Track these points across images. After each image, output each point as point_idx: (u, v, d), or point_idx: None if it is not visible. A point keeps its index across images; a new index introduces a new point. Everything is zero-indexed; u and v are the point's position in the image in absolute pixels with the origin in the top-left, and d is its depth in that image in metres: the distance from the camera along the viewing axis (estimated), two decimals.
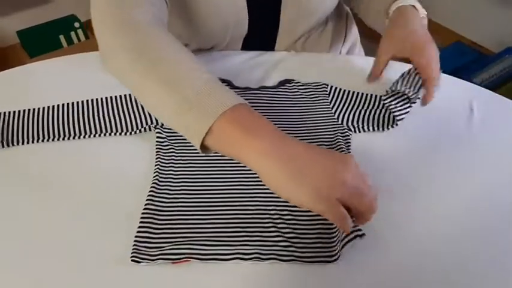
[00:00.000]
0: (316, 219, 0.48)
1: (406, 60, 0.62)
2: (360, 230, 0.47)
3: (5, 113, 0.61)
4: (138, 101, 0.61)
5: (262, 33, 0.74)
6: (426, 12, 0.64)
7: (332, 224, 0.47)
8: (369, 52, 0.86)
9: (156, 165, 0.54)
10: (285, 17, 0.72)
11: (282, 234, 0.47)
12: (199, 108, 0.42)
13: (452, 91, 0.67)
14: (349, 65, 0.72)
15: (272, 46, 0.77)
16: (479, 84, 0.70)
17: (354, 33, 0.87)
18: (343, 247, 0.46)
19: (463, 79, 0.69)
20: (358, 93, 0.65)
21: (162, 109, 0.45)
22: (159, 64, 0.46)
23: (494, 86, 1.40)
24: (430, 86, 0.59)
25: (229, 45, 0.75)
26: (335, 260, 0.45)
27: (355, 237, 0.46)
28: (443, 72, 0.70)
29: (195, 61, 0.48)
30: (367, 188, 0.41)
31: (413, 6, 0.63)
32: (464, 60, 1.57)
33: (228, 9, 0.68)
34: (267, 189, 0.42)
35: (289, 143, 0.41)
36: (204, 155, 0.46)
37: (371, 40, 0.86)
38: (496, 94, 0.67)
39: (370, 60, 0.74)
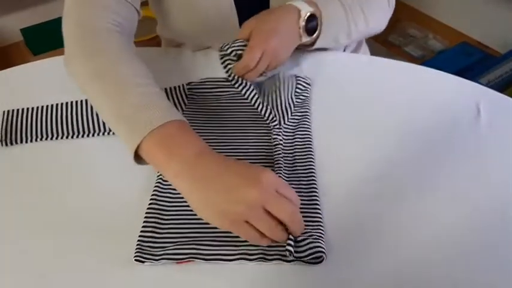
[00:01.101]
0: (306, 220, 0.47)
1: None
2: (290, 245, 0.42)
3: (8, 111, 0.61)
4: None
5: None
6: (303, 32, 0.61)
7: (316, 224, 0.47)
8: (374, 52, 0.86)
9: None
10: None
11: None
12: (132, 123, 0.46)
13: (458, 92, 0.66)
14: (352, 64, 0.72)
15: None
16: (486, 85, 0.69)
17: None
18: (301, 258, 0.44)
19: (469, 80, 0.69)
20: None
21: (104, 116, 0.50)
22: (107, 71, 0.50)
23: (500, 87, 1.39)
24: (238, 71, 0.58)
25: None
26: (320, 261, 0.44)
27: (311, 253, 0.44)
28: (450, 72, 0.70)
29: (142, 72, 0.52)
30: (280, 203, 0.42)
31: (299, 10, 0.61)
32: (470, 61, 1.56)
33: (216, 13, 0.68)
34: None
35: (203, 162, 0.43)
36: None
37: (376, 40, 0.86)
38: (503, 95, 0.66)
39: (374, 59, 0.73)
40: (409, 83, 0.67)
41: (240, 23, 0.69)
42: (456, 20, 1.73)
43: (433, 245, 0.47)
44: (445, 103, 0.64)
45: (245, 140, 0.57)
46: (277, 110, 0.59)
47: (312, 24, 0.62)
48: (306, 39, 0.63)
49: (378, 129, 0.60)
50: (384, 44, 1.72)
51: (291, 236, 0.43)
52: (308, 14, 0.61)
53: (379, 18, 0.71)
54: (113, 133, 0.58)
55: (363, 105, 0.64)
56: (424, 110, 0.63)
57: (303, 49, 0.68)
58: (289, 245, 0.43)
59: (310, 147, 0.56)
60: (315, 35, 0.63)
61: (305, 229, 0.46)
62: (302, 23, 0.61)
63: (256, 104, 0.58)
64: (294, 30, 0.62)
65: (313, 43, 0.65)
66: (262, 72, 0.60)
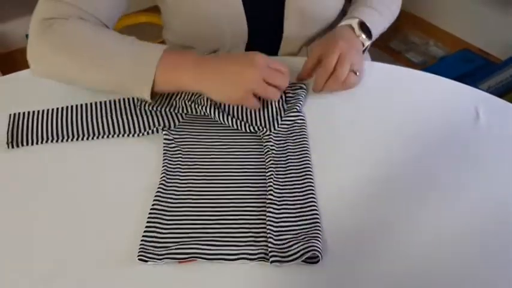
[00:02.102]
0: (300, 219, 0.49)
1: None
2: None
3: (15, 114, 0.62)
4: (145, 103, 0.62)
5: (264, 41, 0.75)
6: (363, 36, 0.70)
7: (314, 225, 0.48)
8: (376, 58, 0.87)
9: (163, 167, 0.54)
10: (289, 27, 0.72)
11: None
12: (137, 71, 0.56)
13: (458, 97, 0.67)
14: None
15: (276, 51, 0.78)
16: (486, 91, 0.70)
17: None
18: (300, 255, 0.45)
19: (470, 86, 0.69)
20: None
21: (99, 82, 0.59)
22: (81, 44, 0.58)
23: (500, 93, 1.39)
24: (320, 77, 0.64)
25: (231, 50, 0.76)
26: (317, 261, 0.45)
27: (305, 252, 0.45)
28: (450, 78, 0.71)
29: (110, 33, 0.60)
30: (274, 75, 0.57)
31: (351, 25, 0.70)
32: (471, 67, 1.56)
33: (224, 18, 0.69)
34: (275, 191, 0.48)
35: (206, 65, 0.57)
36: (209, 156, 0.56)
37: (377, 46, 0.87)
38: (503, 100, 0.67)
39: (376, 65, 0.74)
40: (409, 88, 0.68)
41: (249, 27, 0.71)
42: (457, 27, 1.74)
43: (432, 247, 0.48)
44: (444, 108, 0.65)
45: (236, 147, 0.58)
46: (267, 116, 0.61)
47: (365, 28, 0.70)
48: (367, 42, 0.70)
49: (377, 132, 0.61)
50: (385, 50, 1.73)
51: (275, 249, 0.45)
52: (358, 23, 0.69)
53: (397, 10, 0.80)
54: (117, 135, 0.59)
55: (364, 110, 0.64)
56: (424, 115, 0.64)
57: None
58: (274, 255, 0.45)
59: (306, 150, 0.57)
60: (371, 38, 0.71)
61: (302, 230, 0.47)
62: (359, 32, 0.69)
63: (238, 125, 0.59)
64: (355, 38, 0.69)
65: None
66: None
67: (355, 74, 0.65)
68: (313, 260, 0.45)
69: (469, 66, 1.56)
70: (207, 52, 0.76)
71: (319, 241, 0.46)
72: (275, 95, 0.59)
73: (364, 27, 0.70)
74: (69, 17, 0.59)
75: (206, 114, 0.60)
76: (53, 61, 0.59)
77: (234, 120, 0.60)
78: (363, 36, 0.69)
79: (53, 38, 0.58)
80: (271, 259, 0.45)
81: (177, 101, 0.62)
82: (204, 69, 0.57)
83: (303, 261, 0.45)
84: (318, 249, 0.45)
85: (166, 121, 0.61)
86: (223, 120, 0.60)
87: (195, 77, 0.57)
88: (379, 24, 0.74)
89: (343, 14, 0.79)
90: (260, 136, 0.59)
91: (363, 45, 0.70)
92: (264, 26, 0.72)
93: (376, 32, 0.72)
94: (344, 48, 0.65)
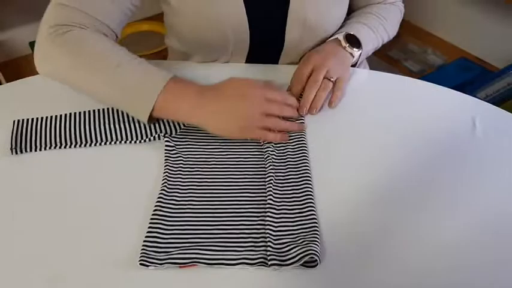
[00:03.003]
0: (298, 224, 0.49)
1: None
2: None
3: (19, 120, 0.63)
4: None
5: (266, 49, 0.76)
6: (351, 47, 0.71)
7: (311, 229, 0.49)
8: (374, 66, 0.88)
9: (164, 173, 0.55)
10: (290, 35, 0.74)
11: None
12: (140, 92, 0.57)
13: (455, 106, 0.68)
14: (352, 77, 0.73)
15: (276, 60, 0.79)
16: (483, 100, 0.70)
17: None
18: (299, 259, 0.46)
19: (467, 94, 0.70)
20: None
21: (101, 95, 0.60)
22: (91, 56, 0.59)
23: (498, 101, 1.40)
24: (294, 87, 0.67)
25: (232, 59, 0.77)
26: (315, 265, 0.46)
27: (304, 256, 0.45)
28: (448, 87, 0.71)
29: (120, 50, 0.61)
30: (273, 108, 0.59)
31: (337, 38, 0.71)
32: (468, 75, 1.57)
33: (227, 21, 0.70)
34: (274, 196, 0.49)
35: (206, 98, 0.57)
36: (210, 162, 0.57)
37: (376, 55, 0.88)
38: (500, 109, 0.67)
39: (374, 74, 0.75)
40: (407, 97, 0.69)
41: (251, 32, 0.72)
42: (455, 35, 1.76)
43: (431, 253, 0.48)
44: (442, 116, 0.66)
45: (236, 153, 0.59)
46: None
47: (353, 39, 0.71)
48: (357, 53, 0.71)
49: (375, 140, 0.62)
50: (383, 59, 1.74)
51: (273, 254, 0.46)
52: (344, 35, 0.71)
53: (395, 28, 0.82)
54: (119, 142, 0.60)
55: (362, 118, 0.65)
56: (422, 124, 0.64)
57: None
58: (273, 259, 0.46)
59: (305, 156, 0.58)
60: (361, 48, 0.72)
61: (300, 234, 0.48)
62: (344, 43, 0.70)
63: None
64: (339, 49, 0.70)
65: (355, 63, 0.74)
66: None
67: (329, 80, 0.66)
68: (311, 264, 0.46)
69: (467, 75, 1.57)
70: (208, 60, 0.77)
71: (317, 245, 0.46)
72: (281, 126, 0.60)
73: (352, 39, 0.71)
74: (81, 24, 0.61)
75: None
76: (61, 63, 0.60)
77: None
78: (350, 46, 0.70)
79: (65, 42, 0.59)
80: (270, 262, 0.45)
81: None
82: (201, 103, 0.57)
83: (301, 265, 0.45)
84: (316, 253, 0.45)
85: (167, 128, 0.62)
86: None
87: (191, 111, 0.57)
88: (370, 40, 0.74)
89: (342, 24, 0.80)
90: (260, 142, 0.60)
91: (353, 56, 0.71)
92: (266, 33, 0.73)
93: (367, 44, 0.73)
94: (318, 59, 0.67)
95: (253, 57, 0.77)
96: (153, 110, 0.57)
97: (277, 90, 0.63)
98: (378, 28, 0.76)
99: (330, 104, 0.67)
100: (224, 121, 0.57)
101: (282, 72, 0.71)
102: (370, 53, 0.78)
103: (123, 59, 0.59)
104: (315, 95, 0.65)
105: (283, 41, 0.74)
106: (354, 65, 0.75)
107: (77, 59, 0.59)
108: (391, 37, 0.81)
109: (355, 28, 0.73)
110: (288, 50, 0.76)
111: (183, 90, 0.58)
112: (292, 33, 0.73)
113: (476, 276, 0.47)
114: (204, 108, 0.57)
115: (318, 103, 0.65)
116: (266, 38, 0.74)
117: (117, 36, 0.67)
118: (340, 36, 0.71)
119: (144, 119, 0.57)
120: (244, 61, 0.77)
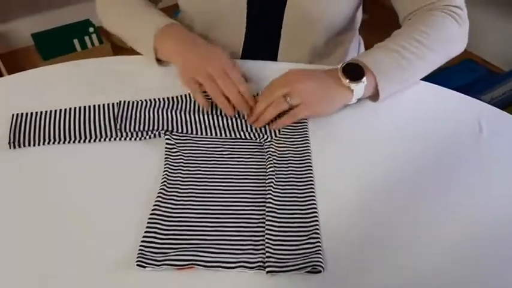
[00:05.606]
0: (299, 230, 0.48)
1: None
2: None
3: (17, 114, 0.62)
4: (148, 107, 0.62)
5: (263, 38, 0.74)
6: (347, 80, 0.60)
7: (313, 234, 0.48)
8: None
9: (164, 171, 0.54)
10: (288, 21, 0.72)
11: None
12: (146, 37, 0.68)
13: (461, 108, 0.67)
14: None
15: (275, 55, 0.77)
16: (489, 102, 0.70)
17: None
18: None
19: (472, 97, 0.69)
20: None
21: (128, 38, 0.72)
22: (131, 12, 0.72)
23: (503, 104, 1.39)
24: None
25: (228, 45, 0.75)
26: (318, 271, 0.45)
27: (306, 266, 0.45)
28: (453, 89, 0.70)
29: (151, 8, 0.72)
30: (223, 78, 0.60)
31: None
32: (473, 78, 1.56)
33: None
34: (274, 199, 0.49)
35: (185, 42, 0.66)
36: (210, 162, 0.56)
37: None
38: (505, 112, 0.67)
39: None
40: (412, 98, 0.68)
41: (248, 22, 0.72)
42: None
43: (433, 259, 0.48)
44: (447, 119, 0.65)
45: (238, 153, 0.58)
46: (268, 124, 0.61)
47: (351, 69, 0.61)
48: (354, 86, 0.60)
49: (379, 142, 0.61)
50: None
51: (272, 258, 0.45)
52: (344, 64, 0.61)
53: (448, 40, 0.67)
54: (119, 139, 0.59)
55: (366, 119, 0.64)
56: (426, 125, 0.64)
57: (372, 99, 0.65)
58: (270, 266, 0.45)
59: (308, 159, 0.57)
60: (362, 81, 0.60)
61: (302, 240, 0.47)
62: (340, 74, 0.61)
63: (239, 133, 0.60)
64: (334, 82, 0.60)
65: (376, 94, 0.63)
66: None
67: (286, 101, 0.59)
68: (314, 270, 0.45)
69: (471, 77, 1.56)
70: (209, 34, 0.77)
71: (320, 255, 0.46)
72: (209, 98, 0.61)
73: (353, 70, 0.61)
74: None
75: (208, 128, 0.60)
76: (109, 18, 0.75)
77: (235, 127, 0.60)
78: (345, 79, 0.60)
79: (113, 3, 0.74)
80: (267, 269, 0.45)
81: (178, 114, 0.62)
82: (180, 48, 0.66)
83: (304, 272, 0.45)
84: (320, 263, 0.45)
85: (169, 125, 0.61)
86: (226, 132, 0.60)
87: (173, 51, 0.67)
88: (395, 69, 0.62)
89: (349, 22, 0.78)
90: (262, 143, 0.59)
91: (352, 90, 0.61)
92: (263, 22, 0.72)
93: (383, 80, 0.61)
94: (293, 76, 0.61)
95: (250, 48, 0.76)
96: (157, 52, 0.67)
97: (238, 74, 0.61)
98: (418, 52, 0.63)
99: (269, 125, 0.61)
100: (186, 64, 0.64)
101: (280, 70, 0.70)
102: (408, 76, 0.65)
103: (144, 12, 0.71)
104: (265, 110, 0.60)
105: (281, 27, 0.73)
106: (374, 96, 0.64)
107: (116, 13, 0.74)
108: (447, 58, 0.68)
109: (373, 54, 0.63)
110: (286, 43, 0.75)
111: (168, 32, 0.67)
112: (291, 18, 0.71)
113: (478, 276, 0.46)
114: (179, 47, 0.66)
115: (263, 117, 0.60)
116: (263, 24, 0.73)
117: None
118: (339, 65, 0.62)
119: (153, 61, 0.69)
120: (242, 41, 0.76)
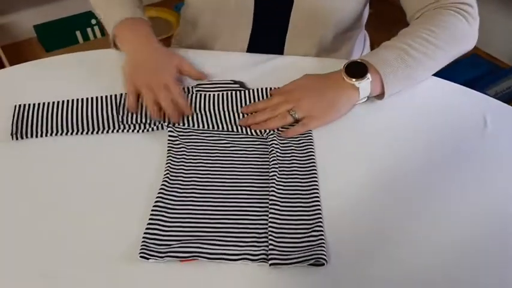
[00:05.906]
0: (302, 223, 0.48)
1: None
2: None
3: (20, 105, 0.62)
4: None
5: (269, 31, 0.73)
6: (350, 78, 0.60)
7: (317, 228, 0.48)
8: None
9: (167, 163, 0.54)
10: (296, 15, 0.71)
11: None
12: (109, 19, 0.71)
13: (465, 102, 0.67)
14: None
15: (281, 48, 0.77)
16: (493, 97, 0.69)
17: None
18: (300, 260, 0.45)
19: (477, 91, 0.69)
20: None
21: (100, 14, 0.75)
22: None
23: (508, 98, 1.38)
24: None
25: (233, 42, 0.75)
26: (321, 264, 0.45)
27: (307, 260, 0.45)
28: (458, 83, 0.70)
29: None
30: (164, 92, 0.60)
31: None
32: (478, 72, 1.55)
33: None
34: (277, 192, 0.48)
35: (142, 49, 0.67)
36: (213, 154, 0.56)
37: None
38: (509, 106, 0.66)
39: None
40: (417, 93, 0.68)
41: (255, 14, 0.71)
42: None
43: (435, 254, 0.48)
44: (452, 113, 0.64)
45: (241, 146, 0.58)
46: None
47: (354, 67, 0.60)
48: (359, 84, 0.59)
49: (383, 136, 0.61)
50: None
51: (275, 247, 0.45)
52: (346, 64, 0.61)
53: (455, 39, 0.66)
54: (122, 131, 0.59)
55: (370, 114, 0.64)
56: (431, 119, 0.63)
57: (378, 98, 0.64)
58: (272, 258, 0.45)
59: (312, 153, 0.56)
60: (367, 77, 0.60)
61: (305, 232, 0.47)
62: (344, 74, 0.60)
63: (243, 128, 0.59)
64: (336, 83, 0.61)
65: (383, 92, 0.62)
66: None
67: (290, 114, 0.59)
68: (317, 263, 0.45)
69: (476, 72, 1.55)
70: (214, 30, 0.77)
71: (323, 248, 0.45)
72: (164, 103, 0.60)
73: (356, 68, 0.60)
74: None
75: (211, 122, 0.60)
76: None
77: (238, 122, 0.60)
78: (349, 77, 0.60)
79: None
80: (270, 262, 0.45)
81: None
82: (138, 50, 0.67)
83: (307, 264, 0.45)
84: (324, 256, 0.45)
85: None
86: (228, 126, 0.60)
87: (128, 47, 0.68)
88: (399, 65, 0.61)
89: (357, 18, 0.77)
90: (265, 136, 0.59)
91: (357, 88, 0.60)
92: (271, 15, 0.72)
93: (388, 74, 0.60)
94: (290, 93, 0.61)
95: (255, 45, 0.75)
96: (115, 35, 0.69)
97: (178, 89, 0.62)
98: (427, 51, 0.62)
99: (281, 133, 0.59)
100: (135, 72, 0.64)
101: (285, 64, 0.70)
102: (415, 74, 0.64)
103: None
104: (266, 120, 0.59)
105: (288, 21, 0.72)
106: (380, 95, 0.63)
107: None
108: (455, 56, 0.67)
109: (376, 54, 0.62)
110: (293, 36, 0.74)
111: (133, 27, 0.69)
112: (298, 17, 0.71)
113: (479, 277, 0.46)
114: (136, 52, 0.67)
115: (266, 125, 0.59)
116: (271, 14, 0.73)
117: None
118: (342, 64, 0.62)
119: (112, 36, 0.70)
120: (245, 48, 0.76)
